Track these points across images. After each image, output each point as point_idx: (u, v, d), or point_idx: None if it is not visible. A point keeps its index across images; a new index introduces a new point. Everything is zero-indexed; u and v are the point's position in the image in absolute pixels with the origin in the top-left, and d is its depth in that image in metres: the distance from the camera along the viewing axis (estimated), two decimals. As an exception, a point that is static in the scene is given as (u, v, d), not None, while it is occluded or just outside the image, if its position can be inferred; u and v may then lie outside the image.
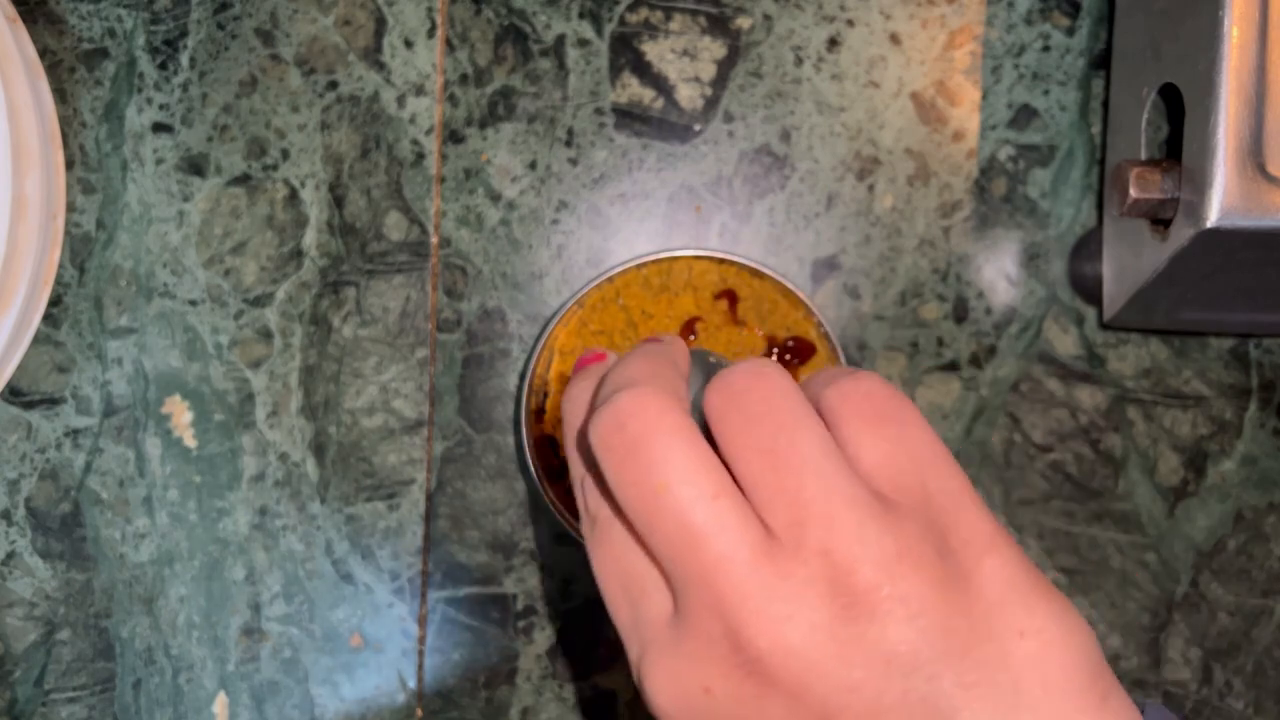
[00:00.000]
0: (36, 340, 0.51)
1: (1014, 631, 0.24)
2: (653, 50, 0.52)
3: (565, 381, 0.47)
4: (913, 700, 0.23)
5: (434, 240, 0.52)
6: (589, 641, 0.52)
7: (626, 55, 0.52)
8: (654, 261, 0.47)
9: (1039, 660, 0.24)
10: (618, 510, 0.26)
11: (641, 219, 0.52)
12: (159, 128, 0.52)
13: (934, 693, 0.23)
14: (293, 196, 0.52)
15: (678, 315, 0.48)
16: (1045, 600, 0.24)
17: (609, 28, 0.52)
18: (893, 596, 0.23)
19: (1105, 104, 0.51)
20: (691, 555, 0.23)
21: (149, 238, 0.52)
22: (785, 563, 0.23)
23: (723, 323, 0.47)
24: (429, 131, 0.52)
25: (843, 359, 0.47)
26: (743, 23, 0.52)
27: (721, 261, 0.48)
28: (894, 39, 0.52)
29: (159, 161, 0.52)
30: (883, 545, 0.23)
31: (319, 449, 0.52)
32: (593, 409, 0.27)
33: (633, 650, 0.25)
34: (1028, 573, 0.25)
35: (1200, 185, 0.40)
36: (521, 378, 0.47)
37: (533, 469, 0.47)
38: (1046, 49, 0.52)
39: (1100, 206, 0.52)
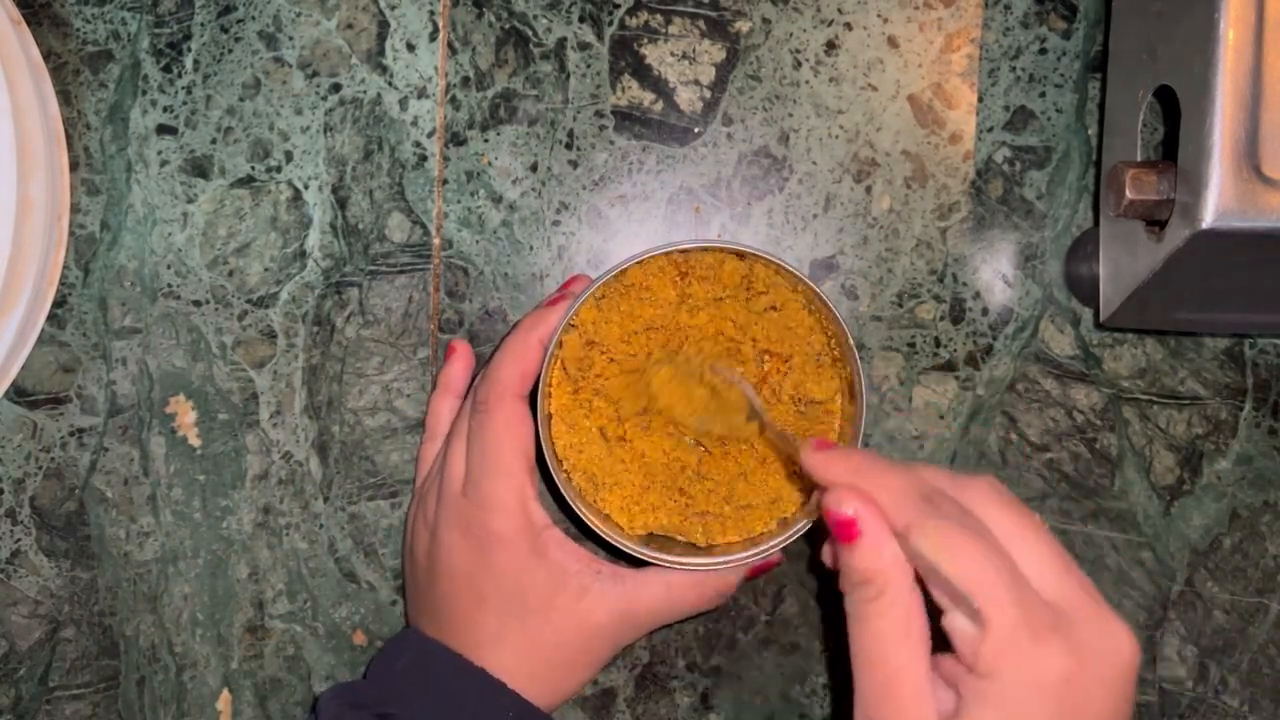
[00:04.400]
0: (41, 340, 0.51)
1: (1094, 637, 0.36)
2: (653, 53, 0.52)
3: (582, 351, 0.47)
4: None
5: (436, 241, 0.52)
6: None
7: (627, 58, 0.52)
8: (680, 250, 0.46)
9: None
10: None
11: (642, 220, 0.52)
12: (163, 130, 0.52)
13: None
14: (296, 198, 0.52)
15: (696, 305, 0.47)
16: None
17: (609, 31, 0.52)
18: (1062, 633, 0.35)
19: (1101, 106, 0.52)
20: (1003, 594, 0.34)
21: (153, 239, 0.52)
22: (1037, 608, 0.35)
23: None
24: (431, 134, 0.52)
25: (856, 356, 0.47)
26: (741, 26, 0.52)
27: (742, 255, 0.47)
28: (891, 42, 0.52)
29: (163, 163, 0.52)
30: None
31: (322, 448, 0.52)
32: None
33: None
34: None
35: (1195, 187, 0.40)
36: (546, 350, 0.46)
37: (545, 446, 0.46)
38: (1043, 52, 0.53)
39: (1096, 208, 0.52)
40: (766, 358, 0.47)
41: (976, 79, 0.52)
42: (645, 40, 0.52)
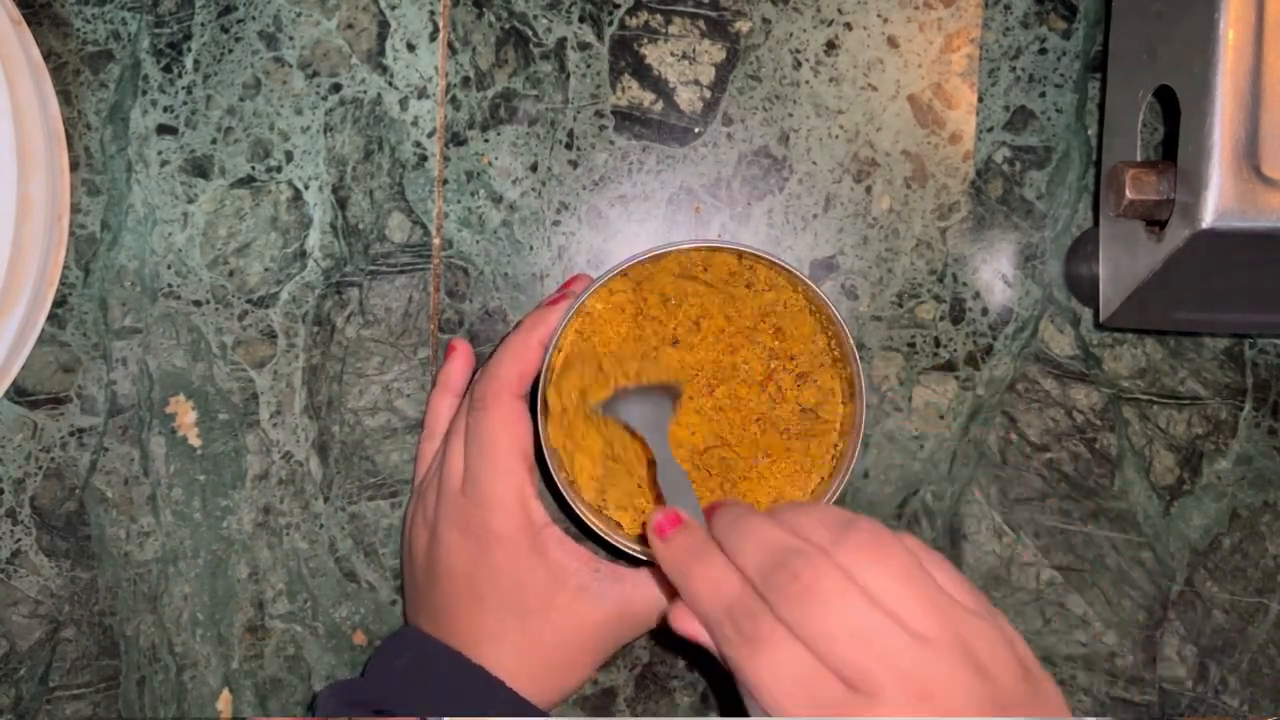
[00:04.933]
0: (42, 340, 0.51)
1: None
2: (653, 53, 0.52)
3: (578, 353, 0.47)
4: None
5: (436, 241, 0.52)
6: (590, 639, 0.53)
7: (627, 58, 0.52)
8: (679, 251, 0.46)
9: None
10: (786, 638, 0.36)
11: (642, 220, 0.52)
12: (163, 130, 0.52)
13: None
14: (296, 198, 0.52)
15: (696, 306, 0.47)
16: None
17: (609, 31, 0.52)
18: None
19: (1101, 106, 0.52)
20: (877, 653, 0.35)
21: (154, 239, 0.52)
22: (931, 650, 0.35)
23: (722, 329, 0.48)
24: (431, 134, 0.52)
25: (856, 357, 0.47)
26: (741, 26, 0.52)
27: (742, 255, 0.47)
28: (891, 42, 0.52)
29: (163, 163, 0.52)
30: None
31: (322, 448, 0.52)
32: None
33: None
34: None
35: (1195, 187, 0.40)
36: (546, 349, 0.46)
37: (546, 451, 0.46)
38: (1043, 52, 0.53)
39: (1096, 208, 0.52)
40: (771, 358, 0.48)
41: (976, 79, 0.52)
42: (645, 40, 0.52)
